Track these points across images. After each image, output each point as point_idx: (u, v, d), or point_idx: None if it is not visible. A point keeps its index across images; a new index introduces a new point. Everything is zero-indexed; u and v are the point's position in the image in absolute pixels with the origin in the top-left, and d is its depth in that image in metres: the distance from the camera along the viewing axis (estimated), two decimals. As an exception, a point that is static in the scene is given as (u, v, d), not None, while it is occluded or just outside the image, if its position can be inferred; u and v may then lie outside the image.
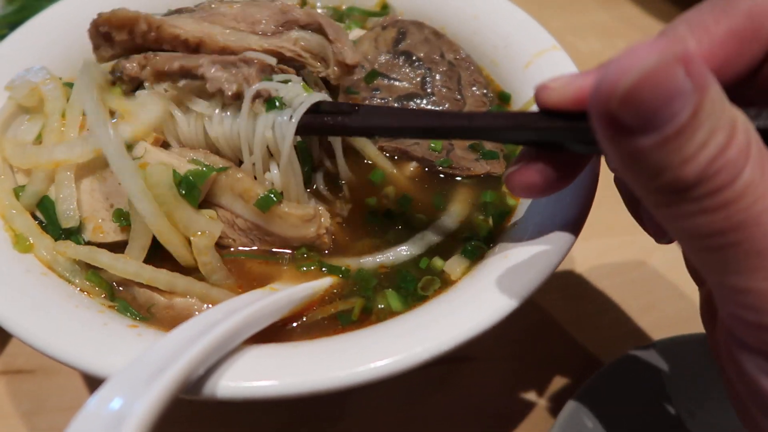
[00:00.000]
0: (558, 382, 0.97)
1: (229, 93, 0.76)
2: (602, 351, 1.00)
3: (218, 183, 0.77)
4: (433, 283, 0.77)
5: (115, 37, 0.84)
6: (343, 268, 0.78)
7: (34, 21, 0.99)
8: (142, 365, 0.54)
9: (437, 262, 0.79)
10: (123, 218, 0.76)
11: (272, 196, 0.76)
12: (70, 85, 0.86)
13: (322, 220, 0.80)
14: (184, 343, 0.57)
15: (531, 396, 0.96)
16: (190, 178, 0.74)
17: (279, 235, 0.79)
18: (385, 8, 1.12)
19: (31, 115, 0.86)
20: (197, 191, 0.74)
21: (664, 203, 0.46)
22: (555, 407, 0.93)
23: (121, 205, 0.78)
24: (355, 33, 1.07)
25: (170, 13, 0.89)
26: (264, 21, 0.84)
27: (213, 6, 0.87)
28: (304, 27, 0.84)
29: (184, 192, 0.73)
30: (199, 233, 0.74)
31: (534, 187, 0.65)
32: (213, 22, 0.84)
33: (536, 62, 0.94)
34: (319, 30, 0.83)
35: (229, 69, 0.77)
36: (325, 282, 0.76)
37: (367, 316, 0.74)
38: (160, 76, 0.80)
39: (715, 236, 0.45)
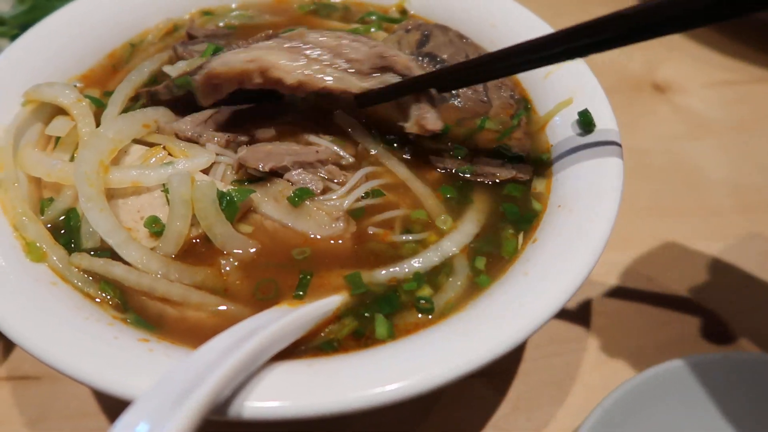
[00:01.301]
0: (573, 399, 0.96)
1: (318, 191, 0.83)
2: (619, 368, 0.99)
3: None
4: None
5: (224, 89, 0.86)
6: (362, 280, 0.76)
7: (46, 22, 0.98)
8: (167, 387, 0.53)
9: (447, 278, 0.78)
10: (155, 224, 0.78)
11: (307, 189, 0.81)
12: (91, 98, 0.89)
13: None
14: (209, 364, 0.56)
15: (545, 413, 0.95)
16: (233, 194, 0.78)
17: (304, 234, 0.81)
18: (404, 14, 1.12)
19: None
20: (236, 207, 0.78)
21: None
22: (569, 425, 0.92)
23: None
24: (377, 36, 1.07)
25: (259, 39, 0.93)
26: (360, 61, 0.85)
27: (303, 35, 0.88)
28: (397, 74, 0.86)
29: (225, 208, 0.77)
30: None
31: None
32: (307, 55, 0.85)
33: (556, 72, 0.94)
34: None
35: (308, 170, 0.85)
36: (335, 299, 0.74)
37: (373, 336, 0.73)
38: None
39: None
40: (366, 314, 0.74)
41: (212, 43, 1.00)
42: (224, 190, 0.79)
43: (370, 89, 0.85)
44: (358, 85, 0.85)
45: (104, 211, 0.76)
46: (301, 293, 0.75)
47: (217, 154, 0.85)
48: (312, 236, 0.80)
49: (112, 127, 0.83)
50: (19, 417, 0.93)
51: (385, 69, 0.86)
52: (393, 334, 0.71)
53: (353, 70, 0.85)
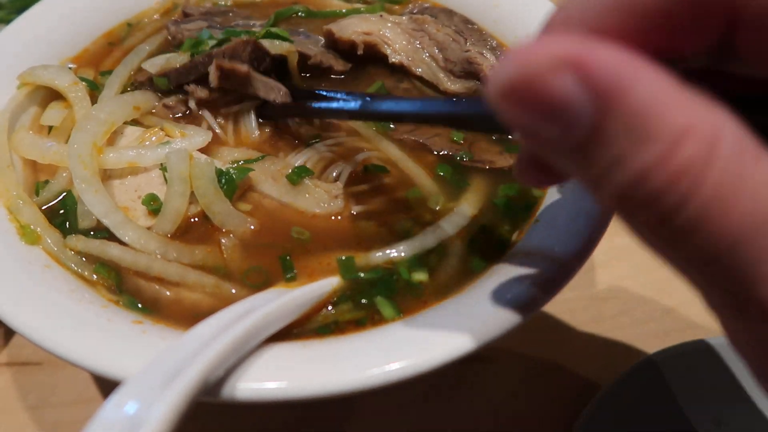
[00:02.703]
0: (577, 385, 0.95)
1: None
2: (623, 353, 0.97)
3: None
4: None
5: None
6: (354, 265, 0.75)
7: (41, 5, 0.97)
8: (158, 367, 0.52)
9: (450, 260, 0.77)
10: (153, 202, 0.78)
11: (305, 167, 0.82)
12: (85, 80, 0.89)
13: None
14: (200, 345, 0.55)
15: (548, 398, 0.94)
16: (232, 173, 0.78)
17: (304, 212, 0.81)
18: None
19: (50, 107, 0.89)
20: (235, 186, 0.78)
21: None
22: (574, 411, 0.90)
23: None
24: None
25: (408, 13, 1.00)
26: (456, 63, 0.94)
27: (425, 22, 0.97)
28: (480, 80, 0.93)
29: (224, 186, 0.77)
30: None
31: (546, 181, 0.61)
32: (419, 44, 0.96)
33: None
34: None
35: None
36: (332, 281, 0.73)
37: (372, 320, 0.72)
38: None
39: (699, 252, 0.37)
40: (363, 299, 0.73)
41: (207, 20, 0.99)
42: (223, 168, 0.79)
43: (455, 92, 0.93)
44: (444, 85, 0.93)
45: (99, 192, 0.76)
46: (290, 275, 0.74)
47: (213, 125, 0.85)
48: (310, 213, 0.80)
49: (104, 108, 0.82)
50: (20, 403, 0.93)
51: (472, 75, 0.93)
52: (399, 312, 0.70)
53: (447, 70, 0.93)
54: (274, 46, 0.88)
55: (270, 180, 0.81)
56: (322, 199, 0.80)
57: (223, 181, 0.77)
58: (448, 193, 0.83)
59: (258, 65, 0.86)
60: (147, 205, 0.78)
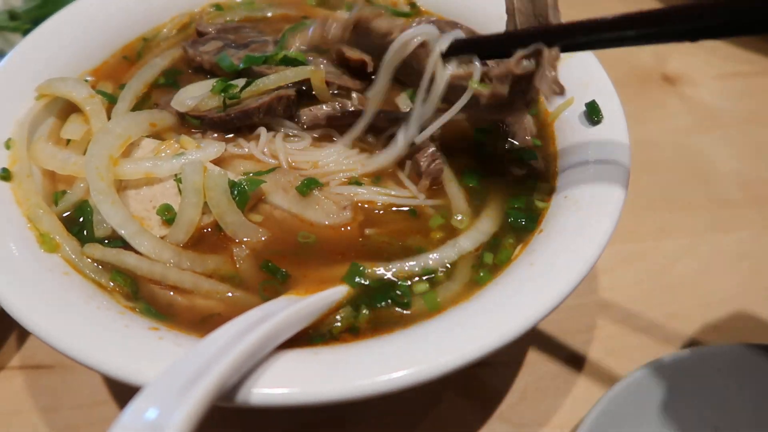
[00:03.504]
0: (579, 390, 0.96)
1: None
2: (624, 360, 0.99)
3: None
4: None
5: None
6: (362, 273, 0.77)
7: (58, 17, 0.99)
8: (176, 374, 0.54)
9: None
10: (167, 212, 0.80)
11: (315, 179, 0.83)
12: (103, 93, 0.91)
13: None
14: (217, 351, 0.57)
15: (551, 404, 0.95)
16: (244, 184, 0.80)
17: (313, 223, 0.82)
18: (414, 7, 1.12)
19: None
20: (247, 197, 0.80)
21: None
22: (575, 416, 0.92)
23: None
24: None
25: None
26: None
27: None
28: None
29: (236, 197, 0.79)
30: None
31: None
32: None
33: (564, 64, 0.93)
34: None
35: None
36: (341, 289, 0.75)
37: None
38: None
39: None
40: (369, 308, 0.74)
41: (222, 39, 1.01)
42: (235, 179, 0.81)
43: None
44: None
45: (115, 203, 0.78)
46: (281, 276, 0.76)
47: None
48: (320, 225, 0.82)
49: (120, 123, 0.85)
50: (33, 405, 0.95)
51: None
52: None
53: None
54: (297, 73, 0.91)
55: (281, 191, 0.83)
56: (331, 211, 0.82)
57: (236, 192, 0.79)
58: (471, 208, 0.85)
59: (292, 110, 0.91)
60: (161, 214, 0.80)
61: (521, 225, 0.82)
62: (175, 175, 0.82)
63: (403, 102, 0.96)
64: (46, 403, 0.95)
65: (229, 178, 0.80)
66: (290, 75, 0.90)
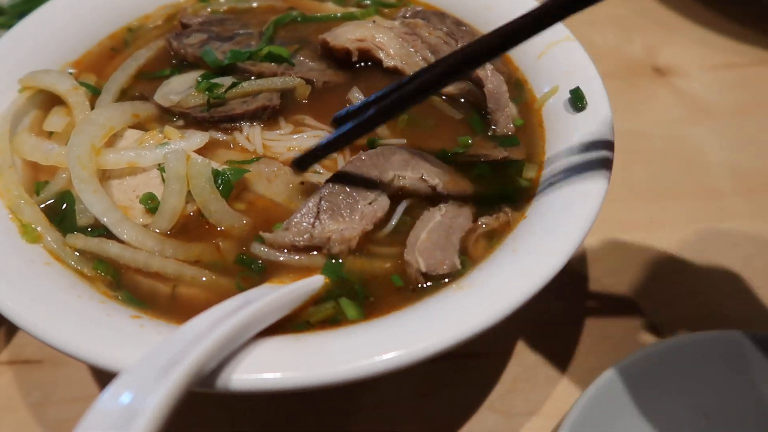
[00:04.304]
0: (569, 379, 0.96)
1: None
2: (615, 347, 0.99)
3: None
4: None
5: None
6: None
7: (42, 10, 0.99)
8: (153, 359, 0.54)
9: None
10: (150, 200, 0.80)
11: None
12: (86, 85, 0.91)
13: None
14: (195, 337, 0.57)
15: (540, 393, 0.95)
16: (228, 173, 0.80)
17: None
18: None
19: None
20: (231, 185, 0.80)
21: None
22: (564, 404, 0.92)
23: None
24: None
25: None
26: None
27: (417, 26, 1.00)
28: (472, 81, 0.94)
29: (221, 186, 0.79)
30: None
31: None
32: (413, 44, 0.98)
33: (549, 52, 0.94)
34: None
35: None
36: (321, 278, 0.75)
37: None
38: None
39: None
40: (350, 295, 0.74)
41: (206, 31, 1.01)
42: (219, 168, 0.81)
43: (449, 93, 0.94)
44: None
45: (97, 192, 0.78)
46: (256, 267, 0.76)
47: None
48: None
49: (103, 113, 0.85)
50: (22, 401, 0.95)
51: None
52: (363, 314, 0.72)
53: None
54: (285, 82, 0.92)
55: (264, 181, 0.83)
56: None
57: (220, 181, 0.79)
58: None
59: (276, 116, 0.92)
60: (144, 203, 0.80)
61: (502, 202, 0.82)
62: (159, 164, 0.82)
63: (353, 95, 0.95)
64: (35, 398, 0.95)
65: (213, 167, 0.80)
66: (278, 83, 0.92)
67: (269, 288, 0.70)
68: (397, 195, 0.82)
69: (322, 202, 0.77)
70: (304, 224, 0.76)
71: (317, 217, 0.76)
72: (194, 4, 1.12)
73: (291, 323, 0.70)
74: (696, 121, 1.34)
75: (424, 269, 0.73)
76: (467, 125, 0.92)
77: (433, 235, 0.77)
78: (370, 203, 0.79)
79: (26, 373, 0.97)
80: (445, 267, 0.74)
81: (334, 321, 0.71)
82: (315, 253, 0.76)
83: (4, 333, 1.01)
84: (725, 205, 1.19)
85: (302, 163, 0.83)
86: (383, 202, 0.79)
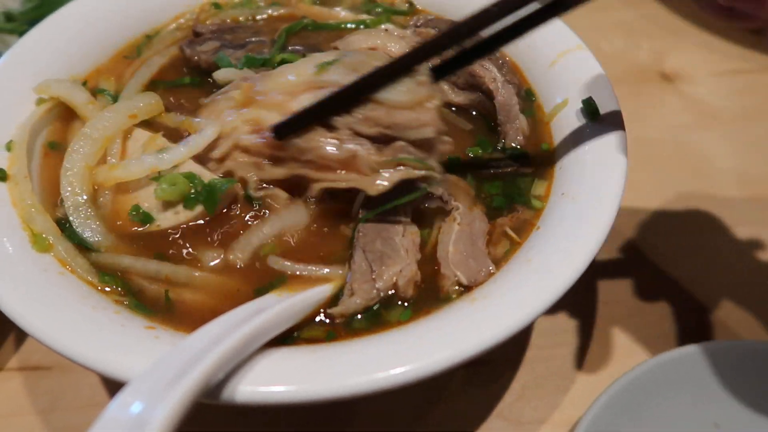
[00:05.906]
0: (579, 388, 0.96)
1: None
2: (625, 356, 0.98)
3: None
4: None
5: None
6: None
7: (54, 17, 0.99)
8: (162, 369, 0.54)
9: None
10: (134, 213, 0.80)
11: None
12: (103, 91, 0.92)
13: None
14: (204, 347, 0.56)
15: (552, 401, 0.95)
16: (218, 184, 0.79)
17: None
18: (411, 5, 1.12)
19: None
20: (217, 198, 0.79)
21: None
22: (575, 413, 0.91)
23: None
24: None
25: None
26: (459, 75, 0.96)
27: (427, 36, 0.99)
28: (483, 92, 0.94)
29: (209, 197, 0.78)
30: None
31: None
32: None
33: (561, 61, 0.93)
34: None
35: None
36: (328, 287, 0.74)
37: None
38: None
39: None
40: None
41: (219, 39, 1.01)
42: (213, 177, 0.80)
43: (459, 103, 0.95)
44: (449, 97, 0.94)
45: (89, 219, 0.79)
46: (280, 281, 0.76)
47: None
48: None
49: (96, 126, 0.83)
50: (31, 407, 0.95)
51: (473, 87, 0.93)
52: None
53: (451, 82, 0.94)
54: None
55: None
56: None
57: (207, 192, 0.79)
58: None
59: None
60: (130, 216, 0.80)
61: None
62: (158, 172, 0.81)
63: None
64: (44, 405, 0.95)
65: (203, 178, 0.79)
66: None
67: (276, 297, 0.70)
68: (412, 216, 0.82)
69: (366, 253, 0.76)
70: (366, 283, 0.74)
71: (371, 269, 0.75)
72: (206, 11, 1.12)
73: (304, 331, 0.70)
74: (703, 127, 1.34)
75: (465, 282, 0.74)
76: (476, 137, 0.92)
77: (459, 245, 0.77)
78: (403, 235, 0.78)
79: (35, 379, 0.97)
80: (482, 274, 0.75)
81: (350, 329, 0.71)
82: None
83: (13, 339, 1.02)
84: (734, 211, 1.18)
85: (281, 130, 0.78)
86: (412, 228, 0.79)
